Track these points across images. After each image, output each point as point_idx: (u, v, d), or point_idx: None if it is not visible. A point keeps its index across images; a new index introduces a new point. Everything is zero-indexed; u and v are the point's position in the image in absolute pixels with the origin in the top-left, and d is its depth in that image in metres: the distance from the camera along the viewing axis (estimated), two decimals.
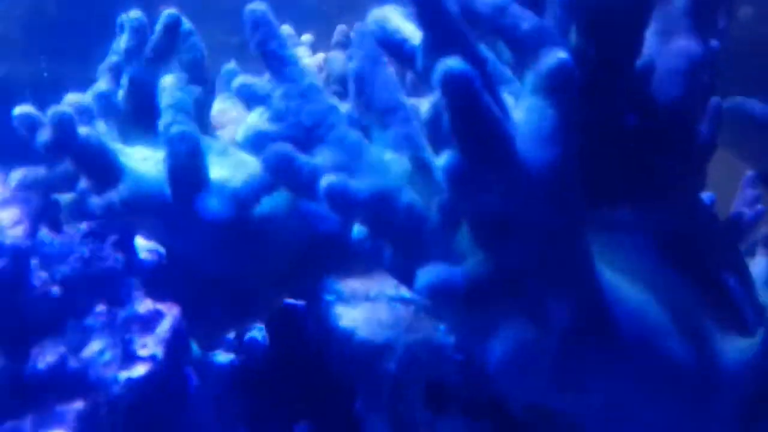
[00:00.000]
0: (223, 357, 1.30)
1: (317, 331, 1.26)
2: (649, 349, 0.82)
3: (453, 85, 0.67)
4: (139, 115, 1.11)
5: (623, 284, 0.86)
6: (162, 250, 1.22)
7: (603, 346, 0.77)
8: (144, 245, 1.23)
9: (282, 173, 0.84)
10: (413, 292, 1.06)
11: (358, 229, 1.02)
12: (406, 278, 1.01)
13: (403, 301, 1.18)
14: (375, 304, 1.19)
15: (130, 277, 1.11)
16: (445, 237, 0.81)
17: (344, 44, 1.62)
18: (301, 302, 1.38)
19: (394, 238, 0.89)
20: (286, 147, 0.84)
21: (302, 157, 0.85)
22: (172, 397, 0.98)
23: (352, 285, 1.22)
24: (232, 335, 1.36)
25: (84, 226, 1.13)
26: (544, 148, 0.74)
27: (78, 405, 0.91)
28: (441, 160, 0.72)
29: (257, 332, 1.41)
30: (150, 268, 1.19)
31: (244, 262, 1.14)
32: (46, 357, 0.91)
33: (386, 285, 1.20)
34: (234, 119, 1.42)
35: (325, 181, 0.80)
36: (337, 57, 1.57)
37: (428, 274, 0.76)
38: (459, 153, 0.71)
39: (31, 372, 0.91)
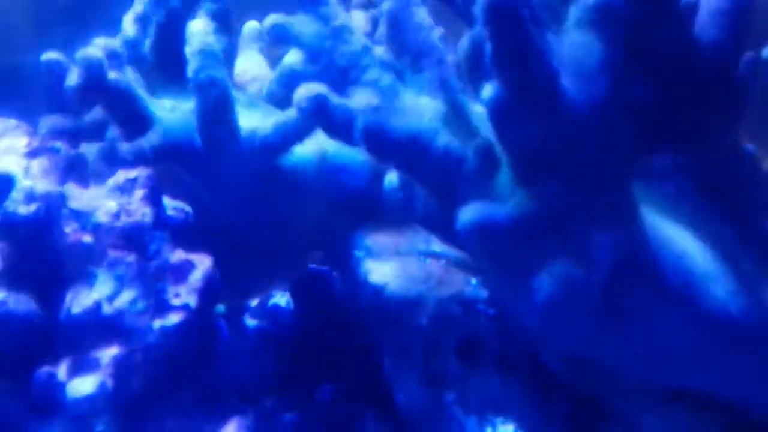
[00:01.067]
0: (249, 321, 1.29)
1: (345, 289, 1.25)
2: (694, 293, 0.80)
3: (498, 12, 0.65)
4: (166, 66, 1.09)
5: (667, 228, 0.83)
6: (188, 208, 1.21)
7: (647, 287, 0.75)
8: (170, 204, 1.22)
9: (316, 114, 0.82)
10: (447, 240, 1.05)
11: (390, 180, 1.00)
12: (439, 227, 0.99)
13: (434, 255, 1.16)
14: (405, 259, 1.17)
15: (158, 231, 1.10)
16: (484, 179, 0.79)
17: (365, 5, 1.59)
18: (325, 267, 1.37)
19: (429, 183, 0.87)
20: (321, 87, 0.82)
21: (337, 98, 0.83)
22: (205, 347, 0.97)
23: (381, 240, 1.20)
24: (255, 302, 1.35)
25: (111, 180, 1.12)
26: (591, 83, 0.71)
27: (113, 351, 0.90)
28: (484, 92, 0.70)
29: (280, 298, 1.40)
30: (177, 224, 1.18)
31: (273, 214, 1.13)
32: (80, 302, 0.91)
33: (416, 240, 1.18)
34: (257, 78, 1.40)
35: (362, 120, 0.78)
36: (358, 17, 1.55)
37: (471, 211, 0.74)
38: (502, 85, 0.69)
39: (66, 317, 0.90)
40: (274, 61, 1.31)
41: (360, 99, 0.85)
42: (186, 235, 1.17)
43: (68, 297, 0.92)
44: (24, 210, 0.91)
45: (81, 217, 1.02)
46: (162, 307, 0.96)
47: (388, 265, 1.17)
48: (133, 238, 1.06)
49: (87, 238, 0.96)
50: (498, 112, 0.69)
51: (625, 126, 0.74)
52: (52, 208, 0.93)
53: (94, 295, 0.92)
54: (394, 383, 1.22)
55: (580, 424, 1.07)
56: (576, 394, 1.07)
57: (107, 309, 0.91)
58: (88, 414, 0.86)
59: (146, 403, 0.92)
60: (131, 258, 1.00)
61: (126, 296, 0.96)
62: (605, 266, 0.71)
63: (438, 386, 1.15)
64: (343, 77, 0.86)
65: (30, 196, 0.92)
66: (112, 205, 1.08)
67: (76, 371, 0.89)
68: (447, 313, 1.12)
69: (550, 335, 0.88)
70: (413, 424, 1.20)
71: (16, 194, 0.92)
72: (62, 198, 0.95)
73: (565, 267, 0.70)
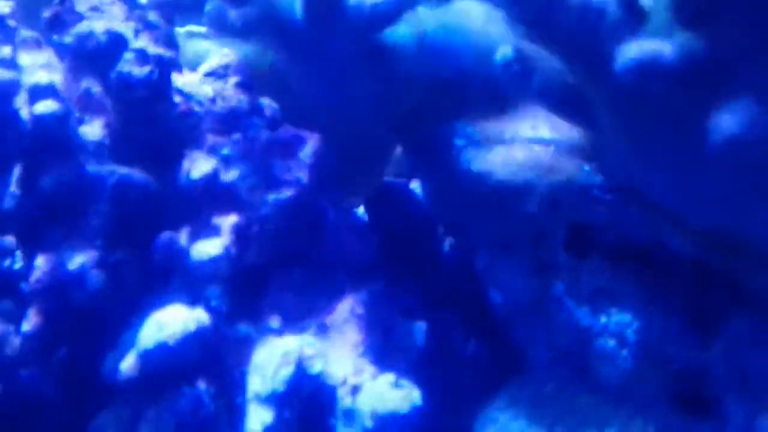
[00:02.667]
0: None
1: (442, 180, 1.20)
2: None
3: None
4: None
5: None
6: (275, 105, 1.16)
7: None
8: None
9: None
10: (567, 116, 1.00)
11: (503, 53, 0.95)
12: (558, 102, 0.94)
13: (543, 142, 1.11)
14: (511, 147, 1.12)
15: (254, 117, 1.06)
16: (630, 28, 0.73)
17: None
18: (403, 180, 1.33)
19: (561, 40, 0.81)
20: None
21: None
22: (315, 224, 0.93)
23: (484, 128, 1.15)
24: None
25: (204, 66, 1.08)
26: None
27: (232, 219, 0.87)
28: None
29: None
30: (270, 115, 1.14)
31: (371, 94, 1.08)
32: (200, 168, 0.87)
33: (522, 127, 1.13)
34: None
35: None
36: None
37: (635, 48, 0.68)
38: None
39: (186, 182, 0.87)
40: None
41: None
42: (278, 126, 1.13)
43: (186, 164, 0.88)
44: (138, 71, 0.87)
45: (183, 95, 0.98)
46: (274, 182, 0.92)
47: (492, 153, 1.12)
48: (230, 123, 1.02)
49: (198, 108, 0.91)
50: None
51: None
52: (164, 73, 0.88)
53: (211, 162, 0.88)
54: (490, 280, 1.18)
55: (699, 315, 1.03)
56: (698, 282, 1.03)
57: (224, 178, 0.87)
58: (210, 277, 0.83)
59: (262, 276, 0.89)
60: (237, 136, 0.96)
61: (236, 172, 0.92)
62: None
63: (546, 276, 1.11)
64: None
65: (143, 57, 0.87)
66: (207, 90, 1.04)
67: (196, 236, 0.86)
68: (558, 201, 1.07)
69: (705, 196, 0.82)
70: (514, 319, 1.16)
71: (128, 55, 0.88)
72: (174, 62, 0.90)
73: (747, 106, 0.65)
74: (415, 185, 1.34)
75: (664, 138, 0.75)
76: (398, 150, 1.33)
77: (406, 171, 1.37)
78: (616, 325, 1.04)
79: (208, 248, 0.87)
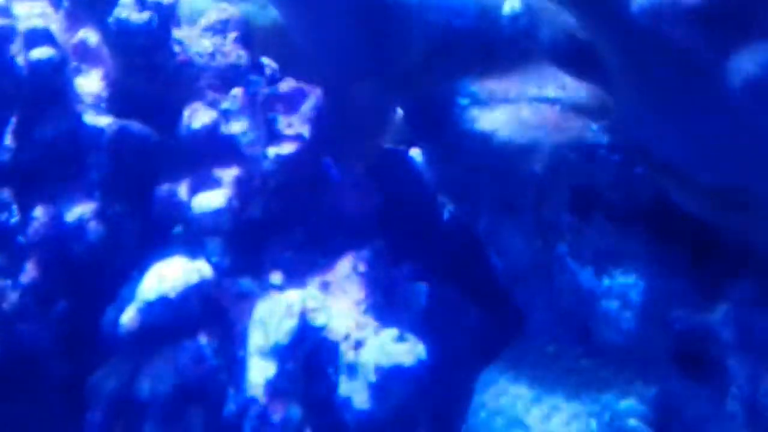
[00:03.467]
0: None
1: (446, 142, 1.19)
2: None
3: None
4: None
5: None
6: (275, 65, 1.14)
7: None
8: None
9: None
10: (577, 72, 0.98)
11: (511, 6, 0.93)
12: (566, 57, 0.92)
13: (549, 101, 1.09)
14: (516, 105, 1.10)
15: (254, 74, 1.03)
16: None
17: None
18: (403, 147, 1.31)
19: None
20: None
21: None
22: (316, 178, 0.92)
23: (488, 86, 1.12)
24: None
25: (203, 20, 1.05)
26: None
27: (233, 171, 0.85)
28: None
29: None
30: (270, 73, 1.12)
31: (372, 52, 1.05)
32: (200, 118, 0.85)
33: (528, 85, 1.11)
34: None
35: None
36: None
37: None
38: None
39: (186, 132, 0.85)
40: None
41: None
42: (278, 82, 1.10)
43: (186, 114, 0.86)
44: (137, 17, 0.85)
45: (182, 46, 0.96)
46: (275, 136, 0.90)
47: (497, 112, 1.10)
48: (230, 78, 1.00)
49: (198, 59, 0.89)
50: None
51: None
52: (164, 20, 0.86)
53: (211, 114, 0.86)
54: (491, 244, 1.17)
55: (704, 276, 1.02)
56: (704, 243, 1.02)
57: (225, 131, 0.85)
58: (211, 230, 0.82)
59: (263, 232, 0.88)
60: (237, 91, 0.94)
61: (236, 127, 0.90)
62: None
63: (550, 238, 1.10)
64: None
65: (141, 3, 0.85)
66: (206, 44, 1.02)
67: (197, 189, 0.84)
68: (564, 160, 1.06)
69: (719, 148, 0.80)
70: (515, 282, 1.15)
71: (126, 0, 0.85)
72: (173, 9, 0.88)
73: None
74: (415, 153, 1.32)
75: (678, 85, 0.73)
76: (398, 115, 1.31)
77: (405, 138, 1.36)
78: (619, 286, 1.03)
79: (209, 200, 0.85)
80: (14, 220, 0.88)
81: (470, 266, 1.17)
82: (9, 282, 0.85)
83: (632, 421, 0.97)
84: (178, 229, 0.86)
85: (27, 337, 0.85)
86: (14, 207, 0.87)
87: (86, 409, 0.85)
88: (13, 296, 0.85)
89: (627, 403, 0.99)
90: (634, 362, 1.03)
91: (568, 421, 0.99)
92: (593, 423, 0.98)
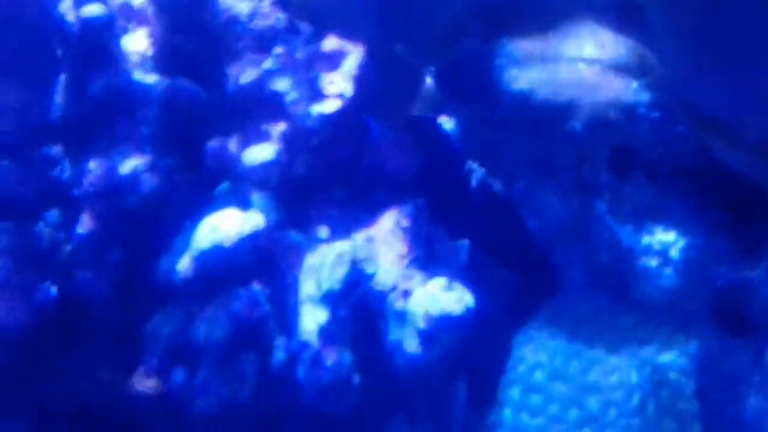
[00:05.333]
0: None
1: (483, 104, 1.19)
2: None
3: None
4: None
5: None
6: (311, 27, 1.14)
7: None
8: None
9: None
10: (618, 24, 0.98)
11: None
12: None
13: (588, 60, 1.09)
14: (554, 65, 1.10)
15: (292, 35, 1.04)
16: None
17: None
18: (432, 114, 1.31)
19: None
20: None
21: None
22: (359, 136, 0.92)
23: (526, 46, 1.12)
24: None
25: None
26: None
27: (280, 127, 0.86)
28: None
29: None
30: (308, 34, 1.12)
31: (409, 8, 1.05)
32: (247, 75, 0.86)
33: (567, 44, 1.10)
34: None
35: None
36: None
37: None
38: None
39: (234, 88, 0.86)
40: None
41: None
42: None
43: (232, 71, 0.87)
44: None
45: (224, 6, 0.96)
46: (318, 95, 0.91)
47: (534, 72, 1.10)
48: (269, 39, 1.01)
49: (243, 18, 0.90)
50: None
51: None
52: None
53: (257, 71, 0.87)
54: (527, 206, 1.17)
55: (746, 233, 1.03)
56: (745, 199, 1.02)
57: (270, 88, 0.86)
58: (261, 183, 0.83)
59: (307, 189, 0.89)
60: (279, 50, 0.95)
61: (279, 86, 0.91)
62: None
63: (588, 197, 1.10)
64: None
65: None
66: (244, 7, 1.03)
67: (246, 143, 0.85)
68: (603, 119, 1.06)
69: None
70: (552, 242, 1.16)
71: None
72: None
73: None
74: (443, 120, 1.33)
75: (728, 31, 0.72)
76: (427, 83, 1.31)
77: (434, 105, 1.36)
78: (659, 243, 1.03)
79: (259, 153, 0.86)
80: (67, 174, 0.90)
81: (502, 230, 1.18)
82: (65, 234, 0.87)
83: (673, 374, 0.98)
84: (228, 182, 0.88)
85: (83, 286, 0.88)
86: (66, 162, 0.89)
87: (141, 354, 0.88)
88: (66, 248, 0.87)
89: (668, 356, 1.00)
90: (674, 318, 1.04)
91: (609, 373, 1.00)
92: (634, 375, 0.99)
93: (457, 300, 0.83)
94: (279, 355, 0.84)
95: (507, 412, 1.02)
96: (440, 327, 0.84)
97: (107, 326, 0.89)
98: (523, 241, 1.17)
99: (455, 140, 1.28)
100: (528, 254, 1.17)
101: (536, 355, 1.07)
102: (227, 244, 0.85)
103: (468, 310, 0.83)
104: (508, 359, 1.08)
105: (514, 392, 1.04)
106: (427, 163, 1.18)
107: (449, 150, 1.27)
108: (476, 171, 1.28)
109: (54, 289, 0.85)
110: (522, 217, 1.16)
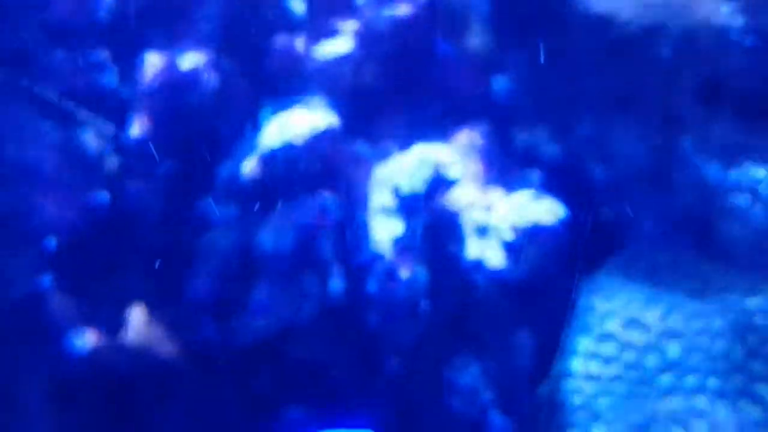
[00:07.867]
0: None
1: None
2: None
3: None
4: None
5: None
6: None
7: None
8: None
9: None
10: None
11: None
12: None
13: None
14: None
15: None
16: None
17: None
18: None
19: None
20: None
21: None
22: (429, 51, 0.85)
23: None
24: None
25: None
26: None
27: (352, 25, 0.80)
28: None
29: None
30: None
31: None
32: None
33: None
34: None
35: None
36: None
37: None
38: None
39: None
40: None
41: None
42: None
43: None
44: None
45: None
46: None
47: None
48: None
49: None
50: None
51: None
52: None
53: None
54: (594, 150, 1.10)
55: None
56: None
57: None
58: (330, 81, 0.76)
59: (376, 100, 0.82)
60: None
61: None
62: None
63: (672, 131, 1.03)
64: None
65: None
66: None
67: (315, 40, 0.79)
68: (691, 44, 0.98)
69: None
70: (627, 187, 1.08)
71: None
72: None
73: None
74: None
75: None
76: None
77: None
78: (749, 180, 0.96)
79: (331, 48, 0.79)
80: (112, 80, 0.83)
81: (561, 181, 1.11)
82: (115, 138, 0.81)
83: (760, 319, 0.91)
84: (294, 82, 0.81)
85: (135, 196, 0.82)
86: (113, 67, 0.83)
87: (194, 267, 0.82)
88: (113, 160, 0.81)
89: (755, 301, 0.93)
90: (762, 262, 0.97)
91: (689, 319, 0.93)
92: (717, 321, 0.92)
93: (548, 210, 0.75)
94: (349, 265, 0.77)
95: (576, 362, 0.96)
96: (529, 238, 0.75)
97: (161, 238, 0.81)
98: (584, 191, 1.10)
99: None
100: (590, 206, 1.10)
101: (609, 303, 1.00)
102: (299, 142, 0.78)
103: (561, 222, 0.75)
104: (573, 310, 1.01)
105: (584, 341, 0.98)
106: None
107: None
108: None
109: (105, 195, 0.79)
110: (587, 165, 1.09)
